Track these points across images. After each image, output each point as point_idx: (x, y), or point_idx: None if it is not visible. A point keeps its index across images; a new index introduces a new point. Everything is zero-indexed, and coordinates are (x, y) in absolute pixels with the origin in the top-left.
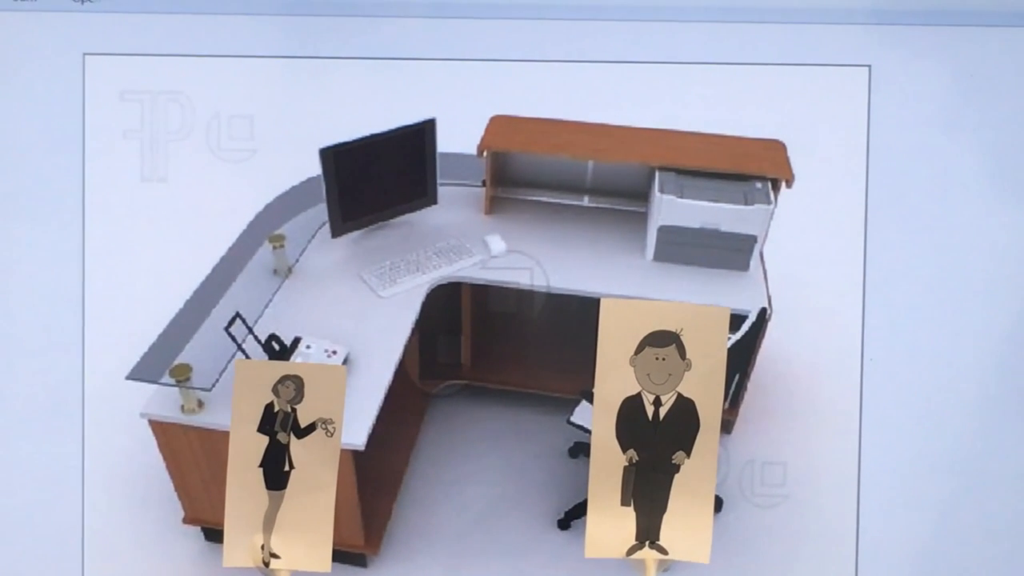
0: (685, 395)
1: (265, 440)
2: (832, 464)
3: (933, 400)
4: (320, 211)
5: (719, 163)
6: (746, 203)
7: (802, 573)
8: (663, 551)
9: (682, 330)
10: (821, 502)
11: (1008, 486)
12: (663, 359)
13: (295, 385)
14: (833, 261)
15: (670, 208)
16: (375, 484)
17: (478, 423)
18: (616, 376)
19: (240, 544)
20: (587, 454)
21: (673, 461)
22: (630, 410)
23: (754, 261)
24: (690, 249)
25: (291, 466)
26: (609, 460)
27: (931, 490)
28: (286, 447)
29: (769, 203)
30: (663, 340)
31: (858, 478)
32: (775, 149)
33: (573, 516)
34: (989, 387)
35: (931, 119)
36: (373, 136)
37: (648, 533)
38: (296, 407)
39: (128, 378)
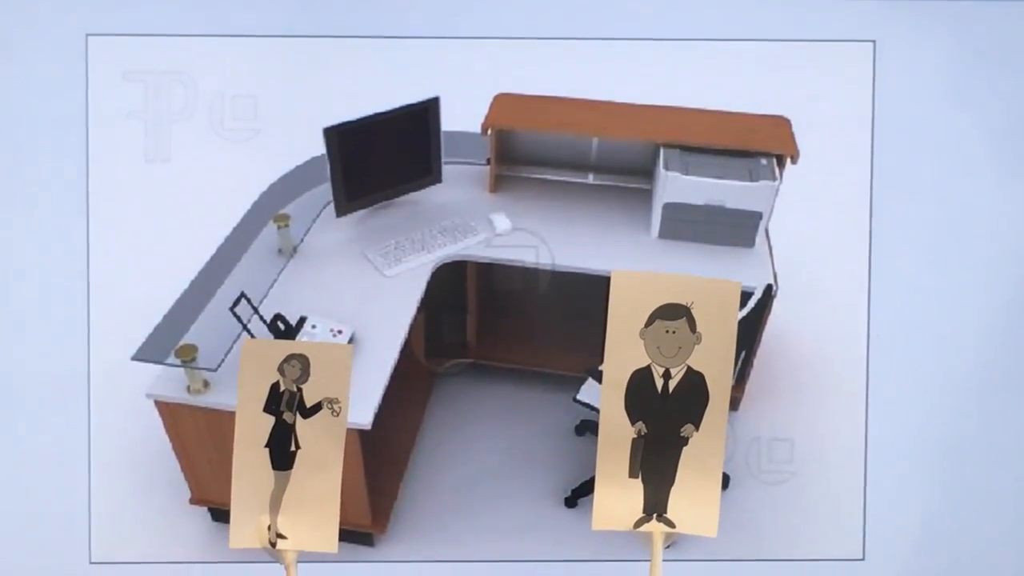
0: (695, 368)
1: (271, 420)
2: (839, 440)
3: (938, 375)
4: (324, 190)
5: (724, 140)
6: (751, 179)
7: (809, 548)
8: (670, 524)
9: (692, 303)
10: (828, 478)
11: (1012, 460)
12: (673, 332)
13: (301, 364)
14: (839, 236)
15: (675, 185)
16: (382, 463)
17: (484, 402)
18: (626, 349)
19: (247, 525)
20: (594, 432)
21: (682, 434)
22: (639, 383)
23: (759, 237)
24: (695, 226)
25: (297, 446)
26: (618, 432)
27: (937, 465)
28: (292, 427)
29: (774, 179)
30: (674, 313)
31: (864, 454)
32: (780, 125)
33: (580, 494)
34: (994, 362)
35: (936, 93)
36: (377, 115)
37: (656, 506)
38: (302, 387)
39: (134, 359)
